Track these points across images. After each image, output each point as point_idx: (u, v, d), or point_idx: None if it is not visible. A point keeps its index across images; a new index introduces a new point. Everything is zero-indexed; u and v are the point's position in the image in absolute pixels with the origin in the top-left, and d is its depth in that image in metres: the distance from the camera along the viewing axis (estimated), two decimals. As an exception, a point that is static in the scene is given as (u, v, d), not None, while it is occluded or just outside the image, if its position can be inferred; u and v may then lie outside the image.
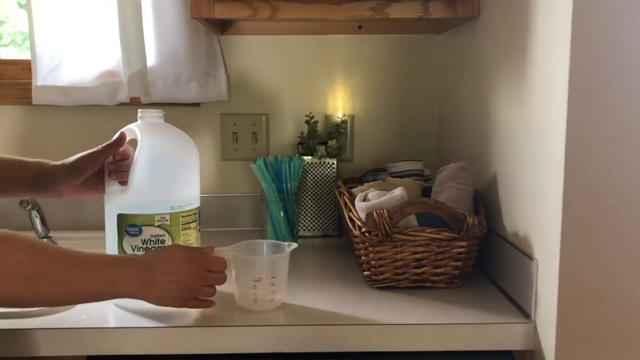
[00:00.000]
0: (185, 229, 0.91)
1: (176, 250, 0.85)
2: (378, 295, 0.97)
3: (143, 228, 0.89)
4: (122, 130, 0.94)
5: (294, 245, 0.93)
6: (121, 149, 0.93)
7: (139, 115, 0.94)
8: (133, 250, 0.89)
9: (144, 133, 0.91)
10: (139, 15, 1.25)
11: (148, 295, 0.81)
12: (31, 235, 1.19)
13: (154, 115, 0.94)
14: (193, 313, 0.89)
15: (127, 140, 0.94)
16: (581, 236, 0.77)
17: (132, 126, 0.93)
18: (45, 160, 0.95)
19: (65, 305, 0.78)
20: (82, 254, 0.75)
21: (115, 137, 0.93)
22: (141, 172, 0.89)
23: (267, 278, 0.89)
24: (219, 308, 0.91)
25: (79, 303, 0.85)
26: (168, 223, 0.89)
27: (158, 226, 0.89)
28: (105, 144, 0.93)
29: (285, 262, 0.92)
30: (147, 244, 0.89)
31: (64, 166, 0.93)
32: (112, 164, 0.94)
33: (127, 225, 0.89)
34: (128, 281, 0.78)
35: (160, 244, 0.89)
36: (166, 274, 0.81)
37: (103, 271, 0.77)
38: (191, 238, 0.92)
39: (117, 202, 0.90)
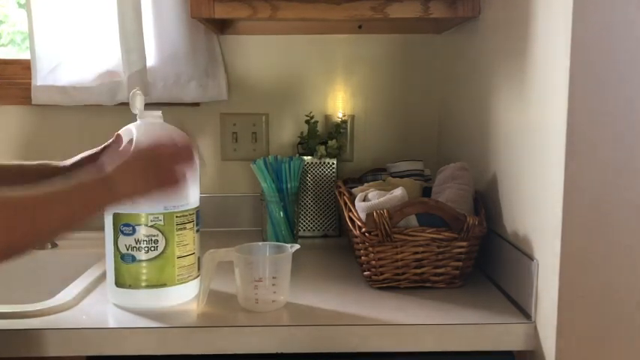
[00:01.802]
0: (180, 229, 0.91)
1: (137, 157, 0.80)
2: (378, 295, 0.97)
3: (137, 227, 0.89)
4: (119, 131, 0.94)
5: (297, 247, 0.93)
6: (121, 149, 0.93)
7: (137, 115, 0.94)
8: (127, 250, 0.89)
9: (140, 133, 0.91)
10: (139, 15, 1.25)
11: (117, 196, 0.76)
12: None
13: (153, 115, 0.94)
14: (192, 313, 0.89)
15: (124, 141, 0.94)
16: (581, 236, 0.77)
17: (130, 126, 0.93)
18: (47, 163, 0.95)
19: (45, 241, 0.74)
20: (44, 195, 0.70)
21: (112, 139, 0.93)
22: None
23: (268, 279, 0.89)
24: (220, 308, 0.91)
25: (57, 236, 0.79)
26: (161, 223, 0.89)
27: (151, 226, 0.89)
28: (102, 145, 0.93)
29: (286, 263, 0.92)
30: (140, 243, 0.89)
31: (64, 168, 0.93)
32: None
33: (122, 224, 0.89)
34: (95, 200, 0.74)
35: (154, 245, 0.89)
36: (129, 169, 0.77)
37: (69, 204, 0.71)
38: (187, 238, 0.92)
39: None
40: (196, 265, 0.95)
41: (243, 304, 0.91)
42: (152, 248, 0.89)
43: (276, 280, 0.90)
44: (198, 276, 0.95)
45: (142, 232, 0.89)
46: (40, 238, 0.73)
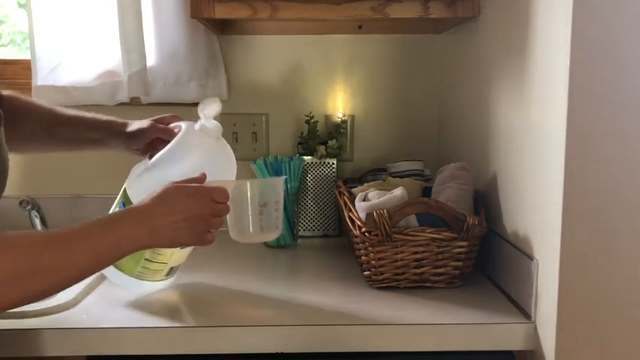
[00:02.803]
0: None
1: (173, 188, 0.80)
2: (378, 295, 0.97)
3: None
4: (177, 123, 0.97)
5: (283, 177, 0.98)
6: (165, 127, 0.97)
7: (201, 119, 0.93)
8: None
9: (181, 138, 0.91)
10: (139, 14, 1.25)
11: (156, 242, 0.78)
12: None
13: (214, 125, 0.93)
14: (192, 313, 0.89)
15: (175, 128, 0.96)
16: (581, 236, 0.77)
17: (183, 125, 0.95)
18: (117, 121, 1.00)
19: (81, 280, 0.73)
20: (75, 229, 0.71)
21: (168, 118, 0.99)
22: (150, 169, 0.90)
23: (258, 205, 0.90)
24: (220, 308, 0.91)
25: (92, 274, 0.79)
26: None
27: None
28: (157, 119, 0.99)
29: (275, 190, 0.92)
30: None
31: (127, 134, 0.98)
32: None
33: (122, 200, 0.93)
34: (132, 237, 0.75)
35: None
36: (171, 215, 0.77)
37: (104, 236, 0.73)
38: (162, 251, 0.92)
39: (132, 177, 0.94)
40: (164, 273, 0.95)
41: (232, 235, 0.91)
42: None
43: (265, 208, 0.90)
44: (161, 280, 0.96)
45: None
46: (76, 274, 0.72)
